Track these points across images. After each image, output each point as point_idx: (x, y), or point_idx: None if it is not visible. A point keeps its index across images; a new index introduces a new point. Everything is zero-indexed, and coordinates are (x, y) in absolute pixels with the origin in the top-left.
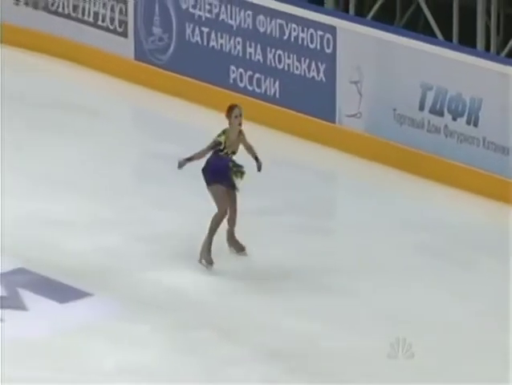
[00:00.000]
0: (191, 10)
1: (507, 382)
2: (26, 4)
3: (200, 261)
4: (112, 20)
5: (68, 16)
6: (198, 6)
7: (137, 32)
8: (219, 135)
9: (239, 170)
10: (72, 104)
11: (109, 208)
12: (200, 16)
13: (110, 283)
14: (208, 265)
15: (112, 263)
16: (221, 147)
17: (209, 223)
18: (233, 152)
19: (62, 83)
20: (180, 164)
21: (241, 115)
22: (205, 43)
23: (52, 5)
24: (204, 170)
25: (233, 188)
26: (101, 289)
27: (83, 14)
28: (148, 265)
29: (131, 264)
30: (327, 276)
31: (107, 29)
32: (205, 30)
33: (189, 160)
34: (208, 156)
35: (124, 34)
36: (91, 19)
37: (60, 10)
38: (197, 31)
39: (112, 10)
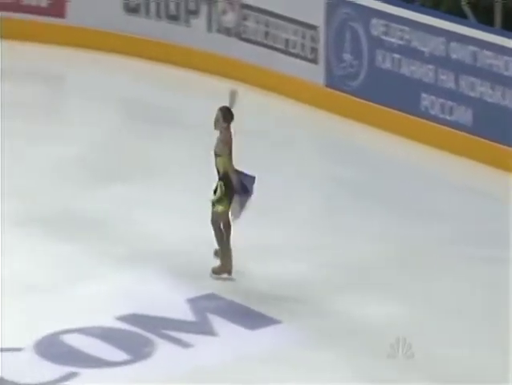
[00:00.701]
0: (382, 36)
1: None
2: (219, 31)
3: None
4: (303, 47)
5: (259, 43)
6: (389, 33)
7: (328, 59)
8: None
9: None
10: (260, 131)
11: (298, 234)
12: (391, 42)
13: (298, 311)
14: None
15: (302, 290)
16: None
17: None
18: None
19: (253, 110)
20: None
21: (217, 120)
22: (396, 70)
23: (244, 32)
24: None
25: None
26: (289, 316)
27: (275, 40)
28: (337, 293)
29: (320, 292)
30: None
31: (297, 55)
32: (396, 56)
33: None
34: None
35: (315, 61)
36: (282, 46)
37: (252, 36)
38: (387, 58)
39: (303, 36)
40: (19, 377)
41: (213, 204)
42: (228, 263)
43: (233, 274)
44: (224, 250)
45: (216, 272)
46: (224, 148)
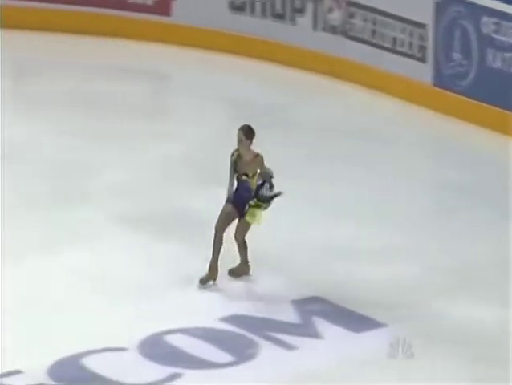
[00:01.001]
0: (493, 35)
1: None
2: (324, 29)
3: (201, 282)
4: (411, 45)
5: (366, 41)
6: (500, 31)
7: (436, 57)
8: (233, 153)
9: (259, 205)
10: (367, 130)
11: (401, 236)
12: (502, 41)
13: (404, 314)
14: (203, 284)
15: (408, 293)
16: (235, 165)
17: None
18: (246, 174)
19: (359, 109)
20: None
21: (240, 140)
22: (507, 69)
23: (351, 30)
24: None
25: (242, 217)
26: (395, 320)
27: (382, 39)
28: (445, 296)
29: (426, 295)
30: None
31: (405, 54)
32: (507, 55)
33: (229, 197)
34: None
35: (423, 60)
36: (389, 45)
37: (359, 35)
38: (498, 57)
39: (411, 35)
40: (123, 377)
41: (247, 219)
42: (246, 266)
43: (337, 276)
44: (244, 256)
45: (235, 274)
46: (255, 166)
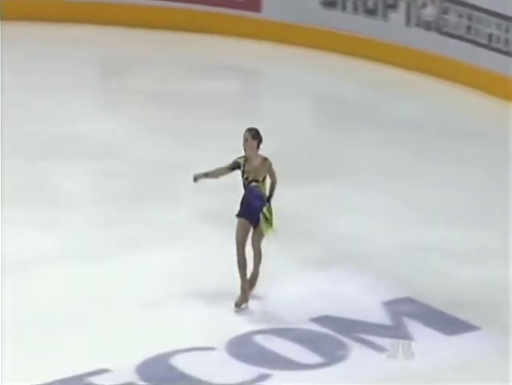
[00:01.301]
0: None
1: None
2: (418, 25)
3: (236, 305)
4: (507, 42)
5: (461, 37)
6: None
7: None
8: (239, 158)
9: (270, 220)
10: (462, 130)
11: (496, 237)
12: None
13: (500, 317)
14: (238, 307)
15: (503, 296)
16: (242, 171)
17: None
18: (256, 180)
19: (454, 107)
20: (196, 178)
21: (246, 140)
22: None
23: (445, 26)
24: (240, 202)
25: (257, 226)
26: (490, 323)
27: (477, 35)
28: None
29: None
30: None
31: (501, 51)
32: None
33: (206, 175)
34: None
35: None
36: (485, 41)
37: (453, 31)
38: None
39: (507, 31)
40: (212, 377)
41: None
42: (257, 274)
43: (430, 277)
44: (257, 264)
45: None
46: (264, 171)
